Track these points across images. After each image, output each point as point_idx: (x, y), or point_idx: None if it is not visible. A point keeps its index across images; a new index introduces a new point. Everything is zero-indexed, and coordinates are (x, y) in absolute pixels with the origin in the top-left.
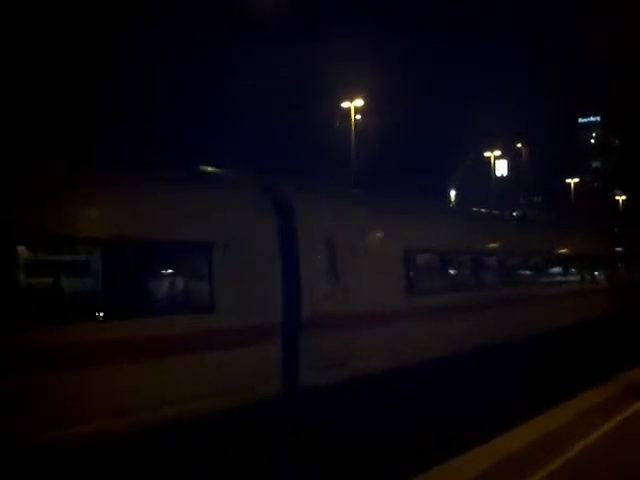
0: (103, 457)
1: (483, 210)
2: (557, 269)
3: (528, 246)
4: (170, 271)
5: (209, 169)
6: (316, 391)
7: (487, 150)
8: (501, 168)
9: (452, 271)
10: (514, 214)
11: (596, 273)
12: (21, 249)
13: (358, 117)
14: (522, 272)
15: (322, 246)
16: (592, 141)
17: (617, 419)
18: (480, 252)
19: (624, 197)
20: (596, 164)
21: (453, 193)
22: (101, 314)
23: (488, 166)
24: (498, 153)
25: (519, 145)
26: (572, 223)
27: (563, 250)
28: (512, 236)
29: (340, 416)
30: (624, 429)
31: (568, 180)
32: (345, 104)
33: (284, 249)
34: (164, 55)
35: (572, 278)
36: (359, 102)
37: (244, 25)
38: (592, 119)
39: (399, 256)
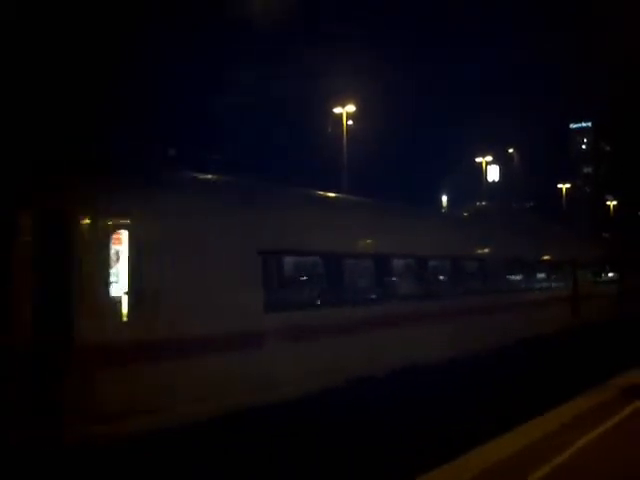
0: None
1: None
2: (502, 276)
3: (468, 247)
4: None
5: None
6: (93, 449)
7: (479, 156)
8: (493, 173)
9: (348, 279)
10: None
11: (547, 280)
12: None
13: (350, 123)
14: (453, 280)
15: (119, 244)
16: (584, 147)
17: (606, 425)
18: (387, 255)
19: (615, 202)
20: (587, 169)
21: (445, 199)
22: None
23: (480, 172)
24: (490, 159)
25: (511, 150)
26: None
27: (509, 253)
28: (442, 236)
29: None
30: (613, 435)
31: (560, 185)
32: (337, 109)
33: (38, 247)
34: (164, 55)
35: (515, 287)
36: (351, 108)
37: (238, 30)
38: (584, 124)
39: (253, 260)
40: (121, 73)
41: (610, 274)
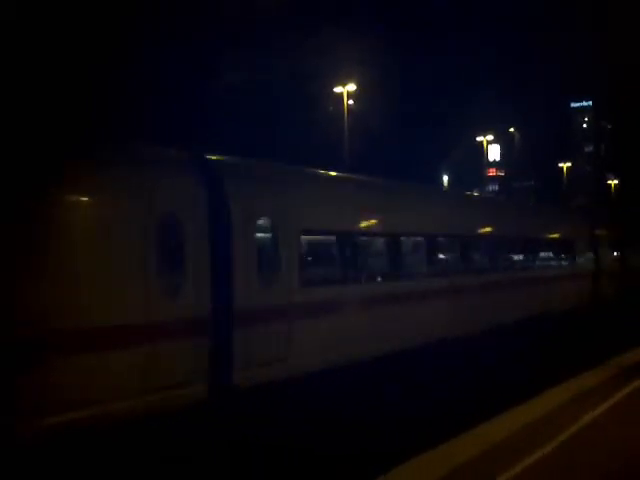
0: None
1: None
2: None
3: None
4: None
5: None
6: None
7: (480, 135)
8: (494, 153)
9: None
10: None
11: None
12: None
13: (351, 102)
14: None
15: None
16: (584, 125)
17: (609, 402)
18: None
19: (616, 181)
20: (588, 148)
21: (446, 178)
22: None
23: (481, 151)
24: (491, 138)
25: (512, 130)
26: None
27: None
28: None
29: None
30: (616, 412)
31: (561, 164)
32: (338, 89)
33: None
34: (161, 44)
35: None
36: (352, 87)
37: (239, 11)
38: (584, 103)
39: None
40: (120, 71)
41: None
